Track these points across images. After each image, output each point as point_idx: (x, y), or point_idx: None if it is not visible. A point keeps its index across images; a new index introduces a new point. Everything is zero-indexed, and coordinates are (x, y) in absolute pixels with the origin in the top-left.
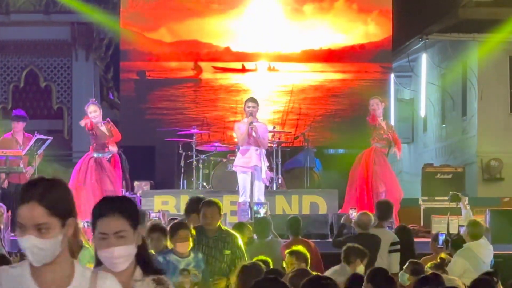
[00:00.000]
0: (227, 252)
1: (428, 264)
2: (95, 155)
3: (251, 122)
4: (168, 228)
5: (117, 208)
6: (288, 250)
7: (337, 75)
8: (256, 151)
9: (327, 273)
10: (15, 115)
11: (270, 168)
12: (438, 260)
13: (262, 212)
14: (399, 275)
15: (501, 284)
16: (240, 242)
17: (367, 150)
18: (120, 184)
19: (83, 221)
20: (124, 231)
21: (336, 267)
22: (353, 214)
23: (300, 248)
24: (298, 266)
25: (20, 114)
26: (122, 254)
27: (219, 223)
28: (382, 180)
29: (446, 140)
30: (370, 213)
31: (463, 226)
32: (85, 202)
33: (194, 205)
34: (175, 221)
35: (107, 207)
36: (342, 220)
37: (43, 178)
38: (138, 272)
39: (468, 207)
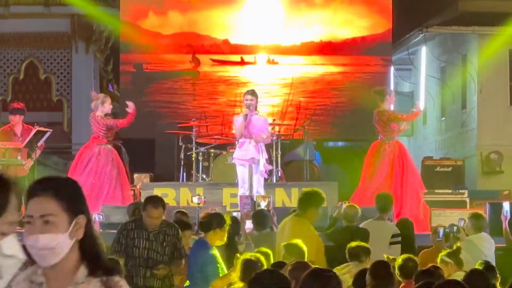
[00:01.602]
0: (169, 244)
1: (443, 252)
2: (102, 146)
3: (246, 115)
4: (209, 220)
5: (50, 187)
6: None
7: (337, 68)
8: (254, 143)
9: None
10: (12, 108)
11: (269, 161)
12: (454, 248)
13: (263, 205)
14: None
15: (500, 278)
16: (180, 233)
17: (393, 144)
18: (126, 175)
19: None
20: (53, 215)
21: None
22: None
23: (297, 242)
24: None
25: (17, 107)
26: (48, 244)
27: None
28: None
29: (446, 133)
30: (356, 206)
31: (463, 219)
32: (94, 194)
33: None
34: (216, 212)
35: (40, 186)
36: (334, 214)
37: None
38: (82, 272)
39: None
